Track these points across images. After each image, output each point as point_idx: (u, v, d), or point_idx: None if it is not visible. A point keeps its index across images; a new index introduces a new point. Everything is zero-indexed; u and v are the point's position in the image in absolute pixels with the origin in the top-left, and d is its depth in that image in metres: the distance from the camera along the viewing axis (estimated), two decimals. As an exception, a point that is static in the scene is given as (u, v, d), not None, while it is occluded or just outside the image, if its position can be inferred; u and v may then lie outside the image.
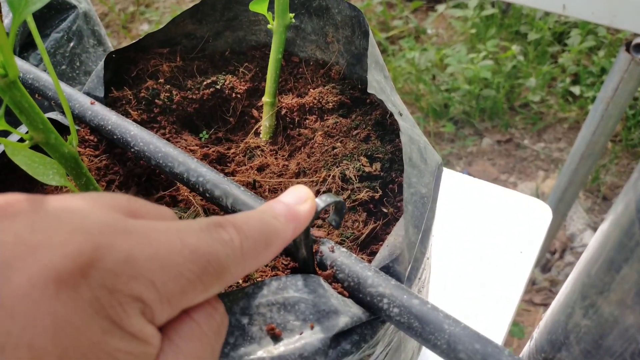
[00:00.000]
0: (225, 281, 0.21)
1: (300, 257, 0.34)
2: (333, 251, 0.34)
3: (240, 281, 0.34)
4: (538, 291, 1.42)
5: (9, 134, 0.48)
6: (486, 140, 1.76)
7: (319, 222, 0.41)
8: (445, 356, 0.30)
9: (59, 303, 0.16)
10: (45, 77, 0.50)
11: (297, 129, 0.49)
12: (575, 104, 1.84)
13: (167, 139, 0.48)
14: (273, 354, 0.29)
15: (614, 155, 1.69)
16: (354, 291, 0.33)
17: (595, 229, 1.54)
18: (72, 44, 0.63)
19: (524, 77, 1.86)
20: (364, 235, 0.38)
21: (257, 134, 0.50)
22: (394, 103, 0.46)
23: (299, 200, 0.27)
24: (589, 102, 1.82)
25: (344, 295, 0.34)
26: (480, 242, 0.62)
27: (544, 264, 1.47)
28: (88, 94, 0.50)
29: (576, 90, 1.85)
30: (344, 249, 0.35)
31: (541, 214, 0.64)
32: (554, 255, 1.49)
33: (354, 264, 0.34)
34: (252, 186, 0.45)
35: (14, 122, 0.34)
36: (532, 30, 1.96)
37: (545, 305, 1.39)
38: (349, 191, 0.40)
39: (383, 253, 0.35)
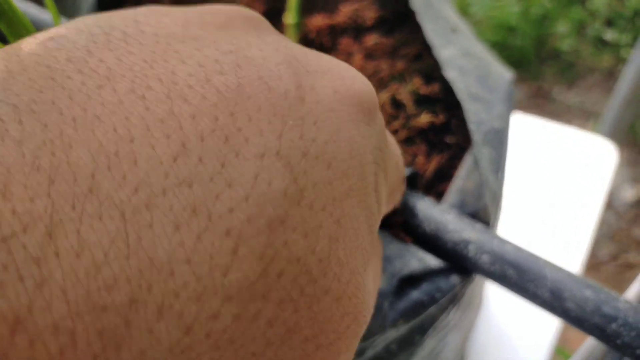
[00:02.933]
0: None
1: None
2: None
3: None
4: (574, 249, 1.35)
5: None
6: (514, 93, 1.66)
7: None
8: (548, 307, 0.23)
9: (357, 132, 0.14)
10: (23, 7, 0.43)
11: (329, 54, 0.41)
12: (608, 51, 1.73)
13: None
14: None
15: (651, 104, 1.59)
16: (430, 238, 0.26)
17: (633, 183, 1.45)
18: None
19: (553, 24, 1.75)
20: (428, 172, 0.31)
21: (282, 64, 0.43)
22: (447, 17, 0.38)
23: None
24: (621, 48, 1.71)
25: (405, 241, 0.27)
26: (544, 183, 0.54)
27: (579, 221, 1.40)
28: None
29: (608, 36, 1.73)
30: (414, 192, 0.28)
31: (607, 153, 0.56)
32: (589, 211, 1.42)
33: (429, 207, 0.27)
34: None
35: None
36: (560, -26, 1.83)
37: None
38: (403, 119, 0.33)
39: (452, 199, 0.28)
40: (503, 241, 0.25)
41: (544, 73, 1.71)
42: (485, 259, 0.25)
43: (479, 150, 0.29)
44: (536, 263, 0.24)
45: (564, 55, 1.73)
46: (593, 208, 0.52)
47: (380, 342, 0.26)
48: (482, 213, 0.28)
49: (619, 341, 0.22)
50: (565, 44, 1.72)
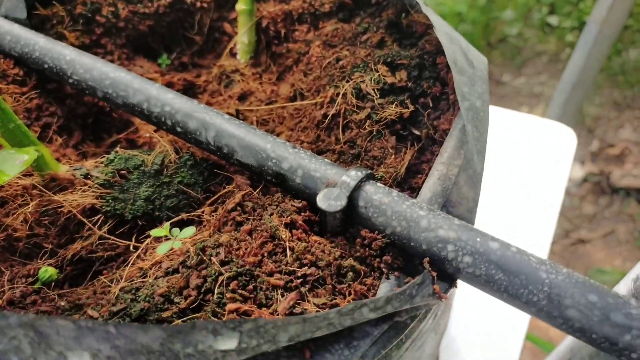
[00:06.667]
0: None
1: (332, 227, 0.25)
2: (361, 187, 0.25)
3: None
4: (530, 230, 1.37)
5: None
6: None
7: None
8: (545, 315, 0.21)
9: None
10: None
11: (285, 44, 0.38)
12: (553, 35, 1.77)
13: (117, 67, 0.37)
14: None
15: (596, 86, 1.64)
16: (402, 239, 0.23)
17: (582, 162, 1.49)
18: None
19: (500, 10, 1.77)
20: (401, 169, 0.28)
21: (233, 54, 0.39)
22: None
23: None
24: (566, 32, 1.75)
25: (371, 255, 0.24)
26: (509, 169, 0.53)
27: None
28: (6, 17, 0.38)
29: (554, 20, 1.77)
30: (379, 184, 0.25)
31: (566, 137, 0.56)
32: (543, 192, 1.44)
33: (397, 202, 0.24)
34: (236, 118, 0.35)
35: None
36: (505, -41, 1.86)
37: (539, 244, 1.35)
38: (368, 109, 0.30)
39: (434, 188, 0.26)
40: (487, 237, 0.22)
41: (493, 58, 1.73)
42: (467, 260, 0.22)
43: (465, 125, 0.26)
44: (527, 264, 0.21)
45: (512, 40, 1.75)
46: (557, 191, 0.52)
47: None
48: (457, 198, 0.25)
49: (634, 355, 0.19)
50: (513, 29, 1.74)
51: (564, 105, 1.19)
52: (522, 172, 0.54)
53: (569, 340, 0.33)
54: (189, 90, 0.38)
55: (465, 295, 0.47)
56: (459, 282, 0.49)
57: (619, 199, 1.49)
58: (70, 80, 0.33)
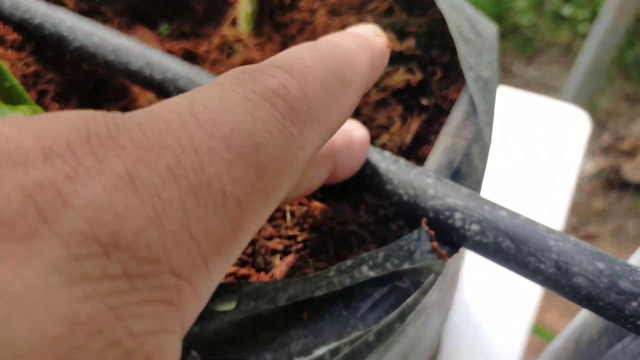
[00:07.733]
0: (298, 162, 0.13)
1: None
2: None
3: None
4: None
5: None
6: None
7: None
8: (553, 284, 0.20)
9: None
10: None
11: (289, 13, 0.37)
12: (566, 26, 1.74)
13: (117, 34, 0.36)
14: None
15: (608, 79, 1.61)
16: (408, 207, 0.23)
17: (592, 156, 1.47)
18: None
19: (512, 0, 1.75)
20: (407, 138, 0.27)
21: (234, 24, 0.38)
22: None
23: (369, 32, 0.18)
24: (579, 23, 1.72)
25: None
26: (519, 152, 0.52)
27: (541, 195, 1.41)
28: (5, -18, 0.37)
29: (566, 11, 1.74)
30: (386, 152, 0.24)
31: (579, 121, 0.54)
32: (551, 185, 1.43)
33: (404, 171, 0.23)
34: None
35: None
36: (518, -52, 1.83)
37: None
38: (374, 77, 0.29)
39: (440, 160, 0.25)
40: (495, 206, 0.21)
41: (504, 48, 1.70)
42: (475, 228, 0.21)
43: (473, 97, 0.25)
44: (536, 231, 0.20)
45: (523, 30, 1.73)
46: (569, 175, 0.50)
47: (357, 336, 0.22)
48: (467, 169, 0.24)
49: (640, 322, 0.19)
50: (525, 19, 1.72)
51: (575, 97, 1.17)
52: (534, 154, 0.53)
53: (577, 320, 0.32)
54: (190, 60, 0.37)
55: (469, 281, 0.46)
56: (464, 275, 0.47)
57: (629, 194, 1.47)
58: (71, 47, 0.32)
